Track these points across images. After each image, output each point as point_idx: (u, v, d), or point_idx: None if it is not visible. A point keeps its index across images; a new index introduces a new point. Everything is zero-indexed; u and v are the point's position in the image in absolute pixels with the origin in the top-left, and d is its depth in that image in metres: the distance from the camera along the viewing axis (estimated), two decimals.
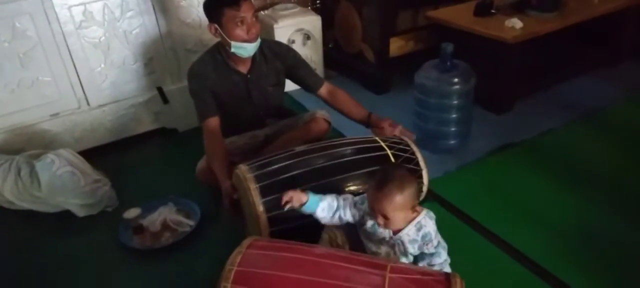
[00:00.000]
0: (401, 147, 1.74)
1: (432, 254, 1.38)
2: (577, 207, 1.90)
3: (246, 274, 1.17)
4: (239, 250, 1.24)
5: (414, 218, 1.38)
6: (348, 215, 1.45)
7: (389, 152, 1.69)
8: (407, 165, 1.67)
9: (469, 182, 2.09)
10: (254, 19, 1.82)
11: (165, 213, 1.93)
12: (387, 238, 1.42)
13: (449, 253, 1.41)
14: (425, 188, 1.74)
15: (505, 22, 2.49)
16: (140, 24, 2.35)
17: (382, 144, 1.72)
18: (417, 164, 1.71)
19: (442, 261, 1.38)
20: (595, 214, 1.86)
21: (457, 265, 1.37)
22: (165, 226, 1.90)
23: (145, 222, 1.90)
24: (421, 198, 1.78)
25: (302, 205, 1.41)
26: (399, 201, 1.30)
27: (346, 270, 1.17)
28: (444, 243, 1.41)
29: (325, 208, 1.43)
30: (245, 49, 1.85)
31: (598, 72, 2.94)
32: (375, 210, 1.33)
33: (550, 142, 2.34)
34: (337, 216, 1.45)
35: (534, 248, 1.69)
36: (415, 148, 1.75)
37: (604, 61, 3.02)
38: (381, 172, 1.36)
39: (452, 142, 2.28)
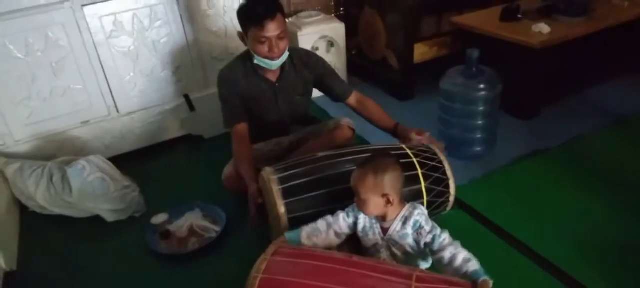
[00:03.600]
0: (428, 155, 1.72)
1: (437, 242, 1.37)
2: (607, 215, 1.85)
3: (271, 282, 1.18)
4: (264, 257, 1.25)
5: (399, 213, 1.43)
6: (343, 227, 1.49)
7: (414, 159, 1.68)
8: (434, 174, 1.67)
9: (496, 189, 2.06)
10: (279, 39, 1.81)
11: (192, 219, 1.96)
12: (380, 242, 1.45)
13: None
14: (452, 199, 1.73)
15: (532, 27, 2.45)
16: (168, 33, 2.40)
17: (409, 151, 1.72)
18: (444, 173, 1.69)
19: (461, 254, 1.33)
20: (626, 223, 1.80)
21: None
22: (191, 232, 1.92)
23: (172, 227, 1.93)
24: (449, 208, 1.77)
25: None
26: (371, 182, 1.35)
27: (371, 278, 1.16)
28: (445, 230, 1.40)
29: (310, 234, 1.46)
30: (267, 64, 1.86)
31: (628, 78, 2.87)
32: (355, 188, 1.40)
33: (579, 148, 2.29)
34: (332, 233, 1.48)
35: (562, 256, 1.65)
36: (442, 157, 1.73)
37: (634, 66, 2.94)
38: (369, 157, 1.43)
39: (478, 149, 2.25)
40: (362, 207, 1.41)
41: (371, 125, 2.07)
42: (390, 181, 1.37)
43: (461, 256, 1.32)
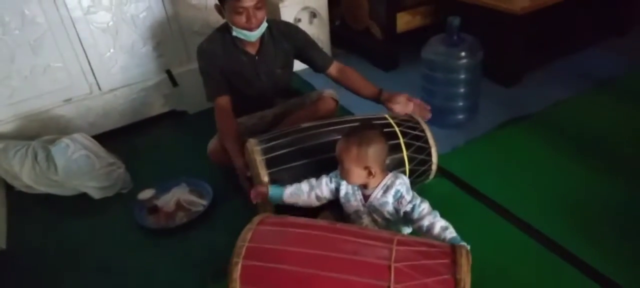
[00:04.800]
0: (410, 124, 1.75)
1: (416, 211, 1.40)
2: (589, 178, 1.89)
3: (257, 249, 1.21)
4: (250, 227, 1.28)
5: (380, 182, 1.46)
6: (325, 192, 1.53)
7: (397, 129, 1.71)
8: (416, 143, 1.69)
9: (478, 156, 2.10)
10: (256, 9, 1.80)
11: (179, 194, 1.97)
12: (361, 208, 1.49)
13: (458, 229, 1.39)
14: (434, 167, 1.76)
15: None
16: (146, 8, 2.37)
17: (391, 121, 1.74)
18: (426, 142, 1.72)
19: (439, 222, 1.37)
20: (607, 185, 1.84)
21: (465, 239, 1.38)
22: (178, 206, 1.94)
23: (159, 202, 1.94)
24: (431, 177, 1.80)
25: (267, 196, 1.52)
26: (354, 154, 1.38)
27: (354, 243, 1.20)
28: (425, 200, 1.43)
29: (293, 192, 1.52)
30: (246, 36, 1.86)
31: (609, 42, 2.90)
32: (339, 159, 1.42)
33: (561, 113, 2.32)
34: (313, 195, 1.53)
35: (544, 221, 1.69)
36: (425, 126, 1.76)
37: (616, 30, 2.97)
38: (355, 127, 1.45)
39: (461, 116, 2.28)
40: (345, 176, 1.44)
41: (355, 95, 2.06)
42: (374, 154, 1.39)
43: (439, 224, 1.36)
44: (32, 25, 2.16)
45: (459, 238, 1.33)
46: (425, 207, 1.41)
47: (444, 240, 1.32)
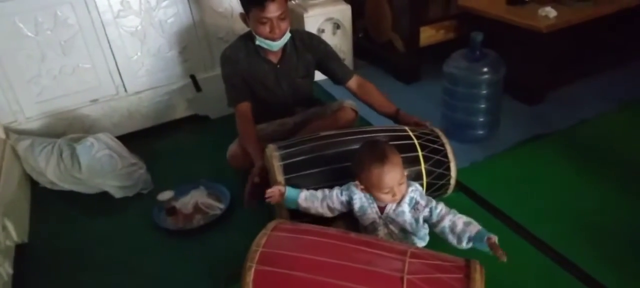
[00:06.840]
0: (430, 138, 1.74)
1: (434, 213, 1.42)
2: (609, 199, 1.86)
3: (270, 255, 1.22)
4: (264, 232, 1.30)
5: None
6: (336, 203, 1.52)
7: (416, 141, 1.70)
8: (435, 156, 1.69)
9: (497, 172, 2.08)
10: (280, 19, 1.82)
11: (197, 197, 2.00)
12: (377, 219, 1.49)
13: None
14: (453, 181, 1.75)
15: (539, 10, 2.43)
16: (174, 13, 2.42)
17: (411, 133, 1.74)
18: (446, 156, 1.72)
19: (461, 218, 1.39)
20: (628, 206, 1.81)
21: (481, 255, 1.37)
22: (196, 208, 1.97)
23: (178, 204, 1.97)
24: (450, 191, 1.79)
25: (283, 196, 1.52)
26: (400, 162, 1.39)
27: (367, 254, 1.20)
28: (440, 202, 1.44)
29: (307, 197, 1.52)
30: (269, 45, 1.88)
31: (635, 63, 2.85)
32: (388, 187, 1.38)
33: (582, 133, 2.29)
34: (325, 205, 1.52)
35: (561, 240, 1.66)
36: (445, 139, 1.75)
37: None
38: (370, 151, 1.41)
39: (481, 132, 2.26)
40: (399, 192, 1.42)
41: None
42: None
43: (461, 221, 1.37)
44: (64, 27, 2.23)
45: (484, 230, 1.34)
46: (441, 207, 1.42)
47: (469, 235, 1.34)
